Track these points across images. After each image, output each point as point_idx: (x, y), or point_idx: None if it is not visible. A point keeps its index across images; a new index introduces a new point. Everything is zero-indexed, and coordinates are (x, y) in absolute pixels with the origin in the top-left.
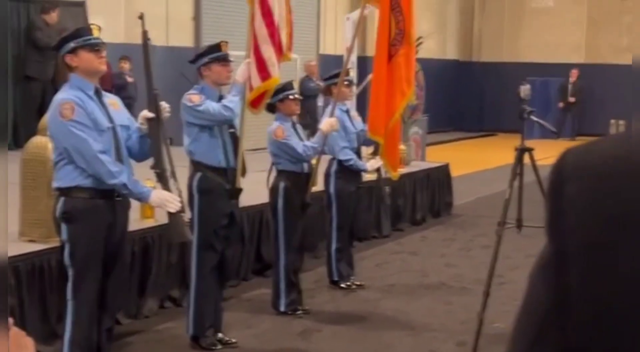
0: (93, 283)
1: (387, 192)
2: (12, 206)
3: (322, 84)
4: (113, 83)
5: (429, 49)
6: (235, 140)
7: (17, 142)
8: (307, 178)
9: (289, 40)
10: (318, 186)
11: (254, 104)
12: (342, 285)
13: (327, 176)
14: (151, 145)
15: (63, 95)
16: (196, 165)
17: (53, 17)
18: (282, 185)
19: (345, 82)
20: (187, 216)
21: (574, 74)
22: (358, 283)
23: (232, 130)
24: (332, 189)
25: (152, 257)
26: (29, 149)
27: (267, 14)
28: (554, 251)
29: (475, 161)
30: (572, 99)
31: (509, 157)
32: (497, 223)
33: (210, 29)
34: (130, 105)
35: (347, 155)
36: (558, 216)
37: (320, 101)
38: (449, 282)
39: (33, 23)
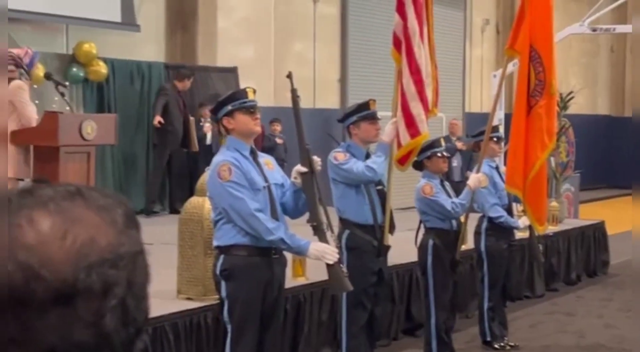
0: (251, 340)
1: (540, 250)
2: (171, 264)
3: (459, 143)
4: (263, 145)
5: (579, 105)
6: (383, 197)
7: (173, 207)
8: (456, 235)
9: (434, 96)
10: (468, 244)
11: (402, 161)
12: (496, 345)
13: (477, 233)
14: (306, 199)
15: (221, 157)
16: (344, 223)
17: (186, 84)
18: (431, 242)
19: (494, 138)
20: (345, 267)
21: None
22: (512, 344)
23: (379, 187)
24: (482, 247)
25: (303, 315)
26: (187, 209)
27: (415, 71)
28: None
29: (631, 219)
30: None
31: None
32: None
33: (356, 91)
34: (280, 166)
35: (498, 212)
36: None
37: (455, 161)
38: (608, 343)
39: (162, 89)
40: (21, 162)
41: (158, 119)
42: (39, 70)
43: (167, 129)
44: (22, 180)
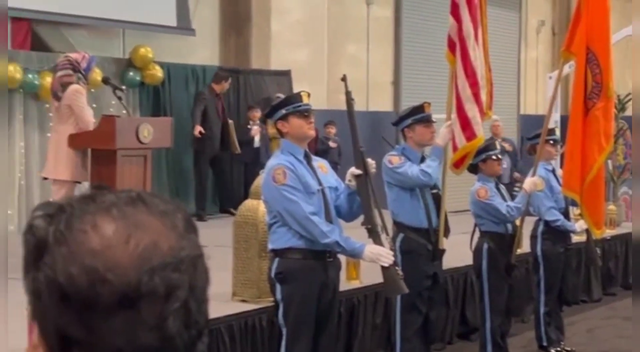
0: (306, 342)
1: (598, 254)
2: (226, 267)
3: (506, 145)
4: (317, 148)
5: None
6: (438, 200)
7: (222, 207)
8: (511, 239)
9: (489, 99)
10: (524, 248)
11: (457, 164)
12: (552, 350)
13: (533, 237)
14: (360, 202)
15: (275, 161)
16: (399, 226)
17: (224, 87)
18: (485, 246)
19: (550, 141)
20: (400, 269)
21: None
22: (569, 349)
23: (434, 190)
24: (538, 251)
25: (357, 318)
26: (242, 211)
27: (471, 74)
28: None
29: None
30: None
31: None
32: None
33: (409, 93)
34: (334, 169)
35: (554, 215)
36: None
37: (504, 163)
38: None
39: (199, 94)
40: (79, 165)
41: (199, 129)
42: (96, 75)
43: (205, 134)
44: (79, 183)
